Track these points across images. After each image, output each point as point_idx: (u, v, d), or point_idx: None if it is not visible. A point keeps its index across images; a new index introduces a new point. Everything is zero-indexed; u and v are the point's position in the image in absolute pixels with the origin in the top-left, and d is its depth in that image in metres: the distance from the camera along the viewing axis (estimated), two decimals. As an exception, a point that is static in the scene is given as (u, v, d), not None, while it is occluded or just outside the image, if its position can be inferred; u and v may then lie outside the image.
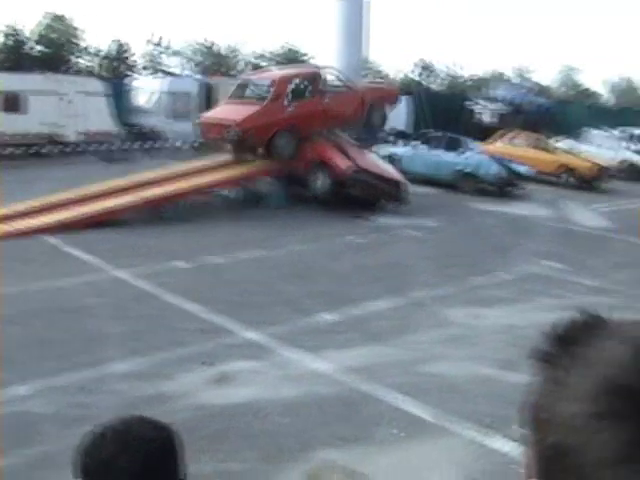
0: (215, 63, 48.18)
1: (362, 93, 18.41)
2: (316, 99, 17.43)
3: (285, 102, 16.85)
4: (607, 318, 0.68)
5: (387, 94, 20.22)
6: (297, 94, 17.16)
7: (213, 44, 49.78)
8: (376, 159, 18.52)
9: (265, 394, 6.45)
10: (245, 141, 16.28)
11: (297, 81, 17.47)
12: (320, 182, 16.43)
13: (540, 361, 0.66)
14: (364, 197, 16.59)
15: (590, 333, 0.65)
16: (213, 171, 16.46)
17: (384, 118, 20.03)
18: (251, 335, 7.92)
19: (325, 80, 18.00)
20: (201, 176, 16.00)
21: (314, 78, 17.77)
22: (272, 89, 17.03)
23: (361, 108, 18.34)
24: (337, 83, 18.52)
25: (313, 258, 11.74)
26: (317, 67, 19.45)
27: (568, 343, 0.65)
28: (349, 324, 8.56)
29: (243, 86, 18.39)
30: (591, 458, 0.55)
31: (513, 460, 5.18)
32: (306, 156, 16.82)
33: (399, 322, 8.68)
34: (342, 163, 16.49)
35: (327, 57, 26.53)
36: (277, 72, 19.15)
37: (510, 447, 5.41)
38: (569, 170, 24.45)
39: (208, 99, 26.63)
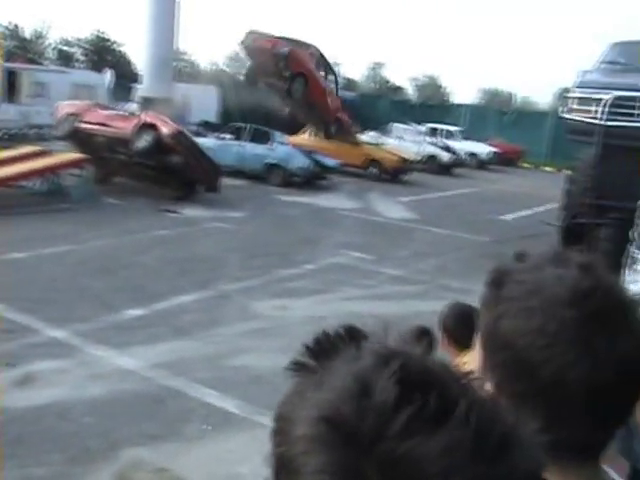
0: (20, 47, 45.68)
1: None
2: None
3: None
4: (363, 332, 0.68)
5: None
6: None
7: (17, 27, 47.23)
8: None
9: (70, 394, 6.30)
10: None
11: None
12: (144, 142, 16.29)
13: (294, 372, 0.67)
14: (182, 173, 16.62)
15: (336, 350, 0.66)
16: (17, 162, 15.77)
17: None
18: (56, 333, 7.69)
19: None
20: (3, 167, 15.30)
21: None
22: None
23: None
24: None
25: (120, 252, 11.53)
26: None
27: (320, 358, 0.66)
28: (155, 319, 8.49)
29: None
30: (302, 476, 0.58)
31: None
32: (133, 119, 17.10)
33: (206, 316, 8.72)
34: (168, 127, 16.63)
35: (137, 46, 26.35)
36: None
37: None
38: (375, 163, 25.33)
39: (11, 86, 25.29)
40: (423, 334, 3.95)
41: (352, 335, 0.68)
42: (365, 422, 0.56)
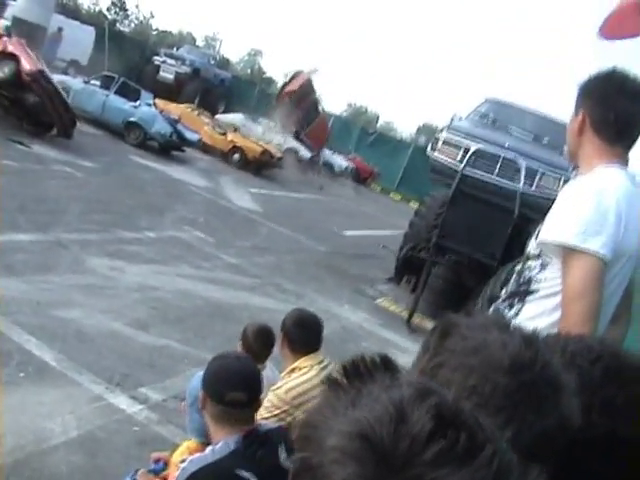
0: None
1: None
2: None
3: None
4: (396, 364, 0.78)
5: None
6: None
7: None
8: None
9: None
10: None
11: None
12: (1, 73, 15.27)
13: (327, 387, 0.76)
14: (36, 113, 15.88)
15: (372, 375, 0.75)
16: None
17: None
18: None
19: None
20: None
21: None
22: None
23: None
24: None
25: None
26: None
27: (354, 379, 0.74)
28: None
29: None
30: None
31: (133, 421, 5.41)
32: None
33: (39, 259, 8.42)
34: (31, 63, 15.59)
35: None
36: None
37: (134, 408, 5.59)
38: (238, 149, 25.23)
39: None
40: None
41: (387, 365, 0.78)
42: (399, 445, 0.64)
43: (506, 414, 0.97)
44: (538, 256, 2.67)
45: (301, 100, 29.22)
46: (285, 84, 29.46)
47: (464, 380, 1.00)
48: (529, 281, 2.69)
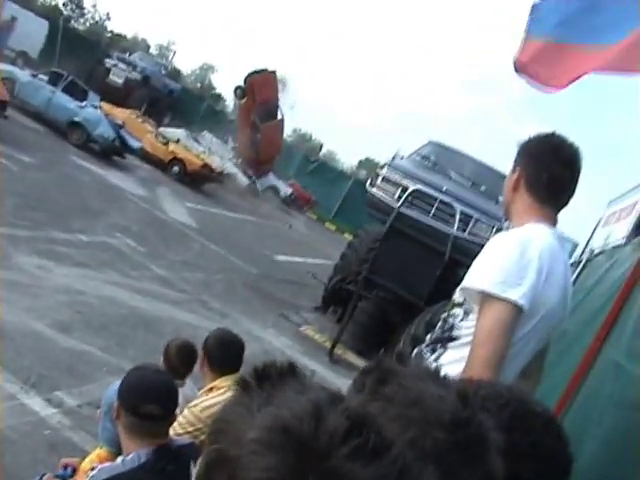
0: None
1: None
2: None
3: None
4: (301, 372, 0.87)
5: None
6: None
7: None
8: None
9: None
10: None
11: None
12: None
13: (240, 387, 0.84)
14: None
15: (282, 379, 0.83)
16: None
17: None
18: None
19: None
20: None
21: None
22: None
23: None
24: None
25: None
26: None
27: (265, 382, 0.82)
28: None
29: None
30: (247, 472, 0.72)
31: (45, 424, 5.34)
32: None
33: (-33, 251, 8.34)
34: None
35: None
36: None
37: (48, 412, 5.51)
38: (179, 162, 25.11)
39: None
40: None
41: (295, 372, 0.87)
42: (319, 439, 0.72)
43: (441, 468, 0.98)
44: (461, 304, 2.77)
45: (263, 92, 29.65)
46: (250, 74, 29.41)
47: (402, 431, 1.02)
48: (452, 328, 2.78)
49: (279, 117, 32.01)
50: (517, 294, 2.51)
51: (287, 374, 0.86)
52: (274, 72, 30.56)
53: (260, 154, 30.90)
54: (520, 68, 4.51)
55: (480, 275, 2.64)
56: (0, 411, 5.17)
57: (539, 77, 4.48)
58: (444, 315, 2.86)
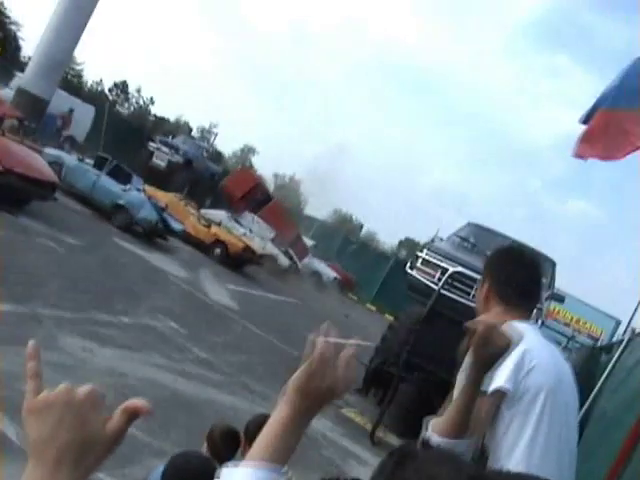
0: None
1: None
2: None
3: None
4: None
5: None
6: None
7: None
8: (34, 158, 16.95)
9: None
10: None
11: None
12: None
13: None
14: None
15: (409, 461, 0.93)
16: None
17: None
18: None
19: None
20: None
21: None
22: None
23: None
24: None
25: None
26: None
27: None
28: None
29: None
30: None
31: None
32: None
33: (13, 332, 8.40)
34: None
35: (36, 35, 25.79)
36: None
37: None
38: (220, 243, 25.37)
39: None
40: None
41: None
42: None
43: None
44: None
45: (240, 189, 32.38)
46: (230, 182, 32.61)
47: None
48: None
49: (272, 199, 34.10)
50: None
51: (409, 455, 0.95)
52: (247, 167, 33.30)
53: (280, 236, 31.80)
54: (579, 152, 4.62)
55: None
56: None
57: (598, 151, 4.60)
58: None
